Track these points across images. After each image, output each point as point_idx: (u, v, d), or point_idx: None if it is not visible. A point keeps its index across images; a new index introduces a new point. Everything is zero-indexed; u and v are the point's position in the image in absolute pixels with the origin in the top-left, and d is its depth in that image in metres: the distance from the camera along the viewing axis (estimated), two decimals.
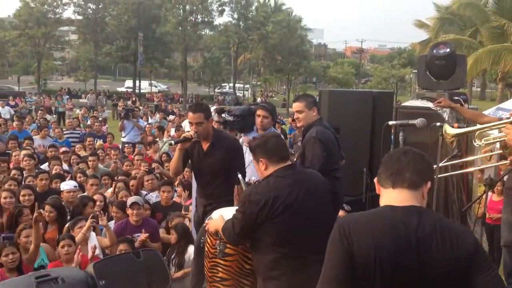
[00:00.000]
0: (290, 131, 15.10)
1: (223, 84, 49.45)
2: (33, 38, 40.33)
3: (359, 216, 2.03)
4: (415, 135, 5.14)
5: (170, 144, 9.42)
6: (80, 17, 42.93)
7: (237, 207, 3.24)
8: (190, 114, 4.21)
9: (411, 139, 5.03)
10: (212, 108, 21.71)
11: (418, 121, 4.53)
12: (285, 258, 3.00)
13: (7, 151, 9.51)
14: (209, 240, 3.41)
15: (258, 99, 37.64)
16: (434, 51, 5.60)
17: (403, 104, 6.43)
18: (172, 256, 5.34)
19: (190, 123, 4.16)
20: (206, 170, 4.34)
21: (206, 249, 3.46)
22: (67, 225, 5.39)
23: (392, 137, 5.77)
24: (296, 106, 4.36)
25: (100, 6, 42.28)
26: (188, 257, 5.30)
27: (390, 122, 4.93)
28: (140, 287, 4.24)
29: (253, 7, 42.16)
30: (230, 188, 4.08)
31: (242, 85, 49.20)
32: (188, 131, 4.23)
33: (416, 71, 7.09)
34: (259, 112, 5.17)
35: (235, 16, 41.51)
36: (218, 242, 3.24)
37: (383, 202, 2.06)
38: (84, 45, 46.69)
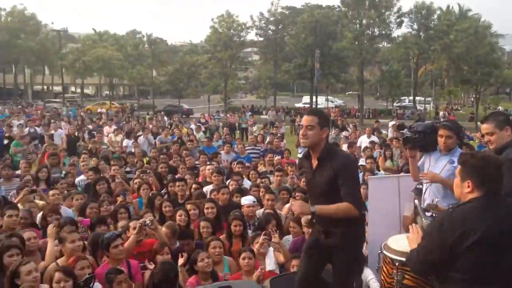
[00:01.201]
0: (479, 148, 13.77)
1: (402, 98, 47.60)
2: (221, 61, 44.18)
3: None
4: None
5: None
6: (261, 39, 45.71)
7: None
8: (305, 116, 3.95)
9: None
10: (391, 123, 21.00)
11: None
12: None
13: (196, 165, 10.46)
14: (385, 269, 3.24)
15: (441, 113, 35.23)
16: None
17: None
18: None
19: (301, 125, 3.91)
20: (315, 190, 3.92)
21: (382, 277, 3.29)
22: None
23: None
24: (485, 128, 3.93)
25: (280, 27, 44.45)
26: (365, 278, 5.14)
27: None
28: None
29: (435, 16, 39.81)
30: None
31: (423, 98, 46.68)
32: None
33: None
34: (441, 132, 4.78)
35: (415, 26, 39.73)
36: (395, 271, 3.05)
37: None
38: (265, 65, 49.65)
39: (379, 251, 3.53)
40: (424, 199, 4.86)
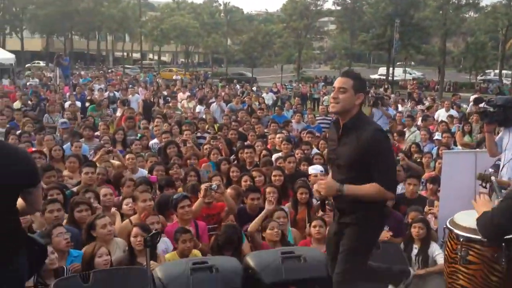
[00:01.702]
0: None
1: (487, 71, 44.82)
2: (296, 30, 43.69)
3: None
4: None
5: None
6: (338, 8, 44.55)
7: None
8: (339, 78, 3.49)
9: None
10: (472, 97, 19.82)
11: None
12: None
13: (266, 133, 10.51)
14: (449, 244, 3.10)
15: None
16: None
17: None
18: (416, 253, 5.10)
19: (334, 87, 3.44)
20: (336, 162, 3.43)
21: (446, 252, 3.16)
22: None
23: None
24: None
25: None
26: (431, 253, 5.02)
27: None
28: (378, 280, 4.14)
29: None
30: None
31: (510, 72, 43.71)
32: None
33: None
34: None
35: None
36: (459, 247, 2.91)
37: None
38: (341, 34, 48.48)
39: (444, 226, 3.38)
40: (501, 176, 4.60)
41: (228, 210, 5.57)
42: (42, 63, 50.58)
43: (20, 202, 2.84)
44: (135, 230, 4.41)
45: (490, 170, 4.51)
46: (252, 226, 5.16)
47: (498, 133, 5.25)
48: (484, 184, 4.51)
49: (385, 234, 5.13)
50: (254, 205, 5.58)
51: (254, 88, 26.08)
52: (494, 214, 2.72)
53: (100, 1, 52.24)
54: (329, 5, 46.80)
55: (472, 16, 42.78)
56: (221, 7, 62.96)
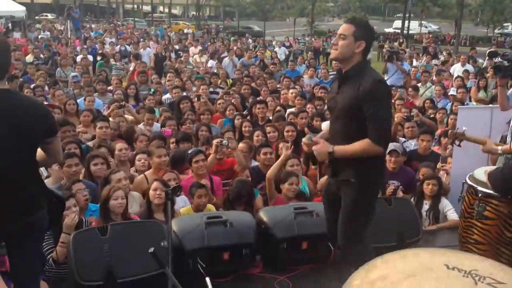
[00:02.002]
0: None
1: (504, 24, 43.53)
2: None
3: None
4: None
5: None
6: None
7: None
8: (342, 24, 3.35)
9: None
10: (488, 51, 19.40)
11: None
12: None
13: (278, 88, 10.45)
14: (467, 199, 3.13)
15: None
16: None
17: None
18: (427, 208, 5.15)
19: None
20: (334, 111, 3.33)
21: (463, 207, 3.19)
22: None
23: None
24: None
25: None
26: (442, 209, 5.07)
27: None
28: (389, 234, 4.21)
29: None
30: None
31: None
32: None
33: None
34: None
35: None
36: (477, 202, 2.94)
37: None
38: None
39: (463, 181, 3.39)
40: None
41: (238, 166, 5.61)
42: (50, 16, 50.05)
43: (40, 153, 2.88)
44: (155, 184, 4.48)
45: (464, 128, 4.50)
46: (270, 171, 5.13)
47: (511, 87, 5.20)
48: (457, 143, 4.52)
49: (391, 189, 5.17)
50: (267, 159, 5.59)
51: (270, 43, 25.64)
52: (505, 169, 2.81)
53: None
54: None
55: None
56: None
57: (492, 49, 18.68)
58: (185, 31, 34.35)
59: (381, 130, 3.08)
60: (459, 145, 4.50)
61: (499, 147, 4.32)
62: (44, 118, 2.81)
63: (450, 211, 5.04)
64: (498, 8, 37.35)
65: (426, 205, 5.17)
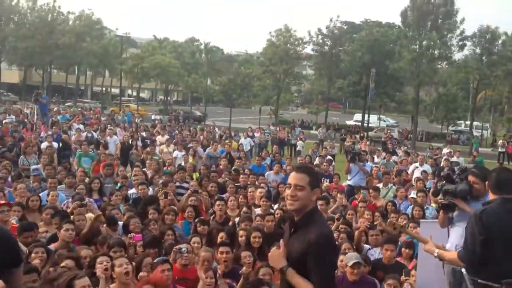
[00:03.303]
0: None
1: (458, 122, 46.11)
2: (275, 74, 44.44)
3: None
4: None
5: None
6: (317, 53, 45.60)
7: None
8: (293, 173, 3.36)
9: None
10: (445, 150, 20.17)
11: None
12: None
13: (248, 184, 10.52)
14: None
15: (500, 142, 33.56)
16: None
17: None
18: None
19: (289, 184, 3.31)
20: (288, 257, 3.28)
21: None
22: None
23: None
24: None
25: (337, 42, 44.27)
26: None
27: None
28: None
29: (500, 41, 38.19)
30: None
31: (480, 124, 45.00)
32: None
33: None
34: (469, 178, 4.75)
35: (477, 50, 38.29)
36: None
37: None
38: (319, 80, 49.43)
39: None
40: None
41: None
42: (12, 96, 50.45)
43: None
44: None
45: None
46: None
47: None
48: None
49: None
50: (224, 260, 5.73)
51: (236, 133, 26.17)
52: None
53: (82, 36, 52.26)
54: (307, 50, 47.67)
55: (444, 67, 44.16)
56: (202, 47, 63.83)
57: (448, 149, 19.75)
58: (153, 117, 34.79)
59: (326, 282, 3.11)
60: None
61: (436, 250, 4.64)
62: (5, 250, 2.72)
63: None
64: (451, 106, 39.55)
65: None
